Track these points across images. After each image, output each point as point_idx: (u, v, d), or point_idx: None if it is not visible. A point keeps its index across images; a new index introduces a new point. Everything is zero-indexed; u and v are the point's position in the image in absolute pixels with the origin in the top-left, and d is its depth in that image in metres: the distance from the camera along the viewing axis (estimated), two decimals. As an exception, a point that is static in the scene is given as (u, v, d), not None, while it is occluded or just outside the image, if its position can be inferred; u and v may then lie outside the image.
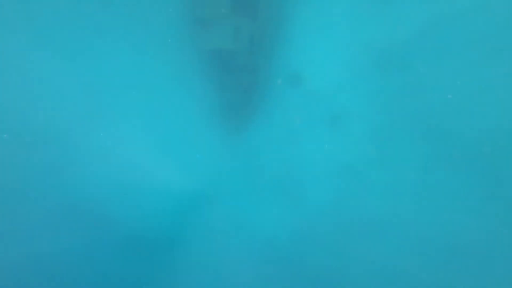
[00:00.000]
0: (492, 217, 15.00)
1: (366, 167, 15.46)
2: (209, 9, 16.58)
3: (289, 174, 17.49)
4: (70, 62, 19.17)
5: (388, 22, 15.85)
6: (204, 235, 18.65)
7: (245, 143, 18.70)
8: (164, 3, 18.40)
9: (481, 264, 15.23)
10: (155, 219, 18.18)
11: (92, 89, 19.34)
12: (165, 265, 18.15)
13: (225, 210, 17.95)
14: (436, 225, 15.71)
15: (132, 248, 17.89)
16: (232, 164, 18.72)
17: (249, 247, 18.31)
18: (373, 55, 15.73)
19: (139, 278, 18.35)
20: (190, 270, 18.44)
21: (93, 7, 18.78)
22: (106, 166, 18.81)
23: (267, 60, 17.28)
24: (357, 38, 16.21)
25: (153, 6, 18.80)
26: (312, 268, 17.22)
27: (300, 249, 17.57)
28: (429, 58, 14.71)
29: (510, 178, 14.77)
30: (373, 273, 16.72)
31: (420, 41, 15.08)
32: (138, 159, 19.17)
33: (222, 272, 18.24)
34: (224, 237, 18.43)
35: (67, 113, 19.26)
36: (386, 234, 16.40)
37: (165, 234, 18.17)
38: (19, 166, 18.50)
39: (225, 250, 18.36)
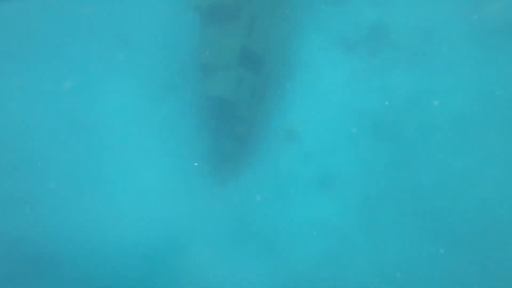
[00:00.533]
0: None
1: (353, 232, 15.14)
2: (217, 58, 17.09)
3: (275, 231, 16.93)
4: (74, 98, 19.73)
5: (381, 91, 16.41)
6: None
7: (232, 195, 18.39)
8: (174, 47, 19.11)
9: None
10: (136, 268, 17.27)
11: (83, 123, 19.65)
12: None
13: (207, 263, 17.20)
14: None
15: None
16: (217, 216, 18.25)
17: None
18: (366, 122, 16.07)
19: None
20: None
21: (106, 47, 19.76)
22: (90, 212, 18.27)
23: (265, 114, 17.60)
24: (352, 103, 16.67)
25: (163, 48, 19.51)
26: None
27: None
28: (419, 131, 15.06)
29: (499, 256, 14.58)
30: None
31: (410, 113, 15.52)
32: (122, 202, 18.56)
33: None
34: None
35: (59, 153, 19.38)
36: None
37: (147, 283, 17.22)
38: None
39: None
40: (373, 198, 14.94)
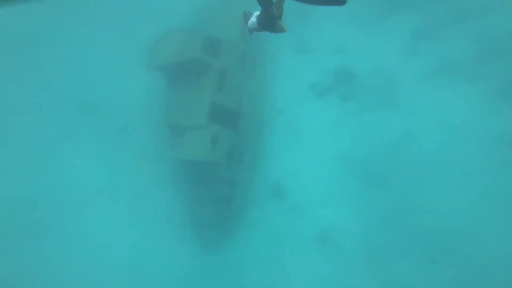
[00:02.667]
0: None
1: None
2: (186, 118, 15.56)
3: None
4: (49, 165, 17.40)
5: (361, 135, 16.40)
6: None
7: (221, 261, 16.49)
8: (141, 110, 17.17)
9: None
10: None
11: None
12: None
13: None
14: None
15: None
16: (208, 284, 16.17)
17: None
18: (355, 167, 15.77)
19: None
20: None
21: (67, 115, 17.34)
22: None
23: (247, 172, 16.26)
24: (335, 150, 16.33)
25: (129, 113, 17.45)
26: None
27: None
28: (408, 173, 15.05)
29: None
30: None
31: (396, 155, 15.55)
32: (101, 273, 16.11)
33: None
34: None
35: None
36: None
37: None
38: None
39: None
40: (380, 248, 14.23)
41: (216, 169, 15.88)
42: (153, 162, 16.82)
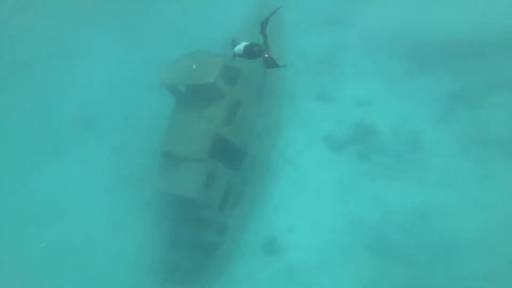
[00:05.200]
0: None
1: None
2: (184, 147, 13.75)
3: None
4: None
5: (381, 200, 14.68)
6: None
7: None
8: (139, 131, 15.37)
9: None
10: None
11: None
12: None
13: None
14: None
15: None
16: None
17: None
18: (364, 235, 13.99)
19: None
20: None
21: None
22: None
23: (240, 219, 14.30)
24: (345, 212, 14.56)
25: (125, 131, 15.63)
26: None
27: None
28: (428, 251, 13.32)
29: None
30: None
31: (420, 229, 13.88)
32: None
33: None
34: None
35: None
36: None
37: None
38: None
39: None
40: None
41: (206, 211, 13.89)
42: (136, 189, 14.73)
